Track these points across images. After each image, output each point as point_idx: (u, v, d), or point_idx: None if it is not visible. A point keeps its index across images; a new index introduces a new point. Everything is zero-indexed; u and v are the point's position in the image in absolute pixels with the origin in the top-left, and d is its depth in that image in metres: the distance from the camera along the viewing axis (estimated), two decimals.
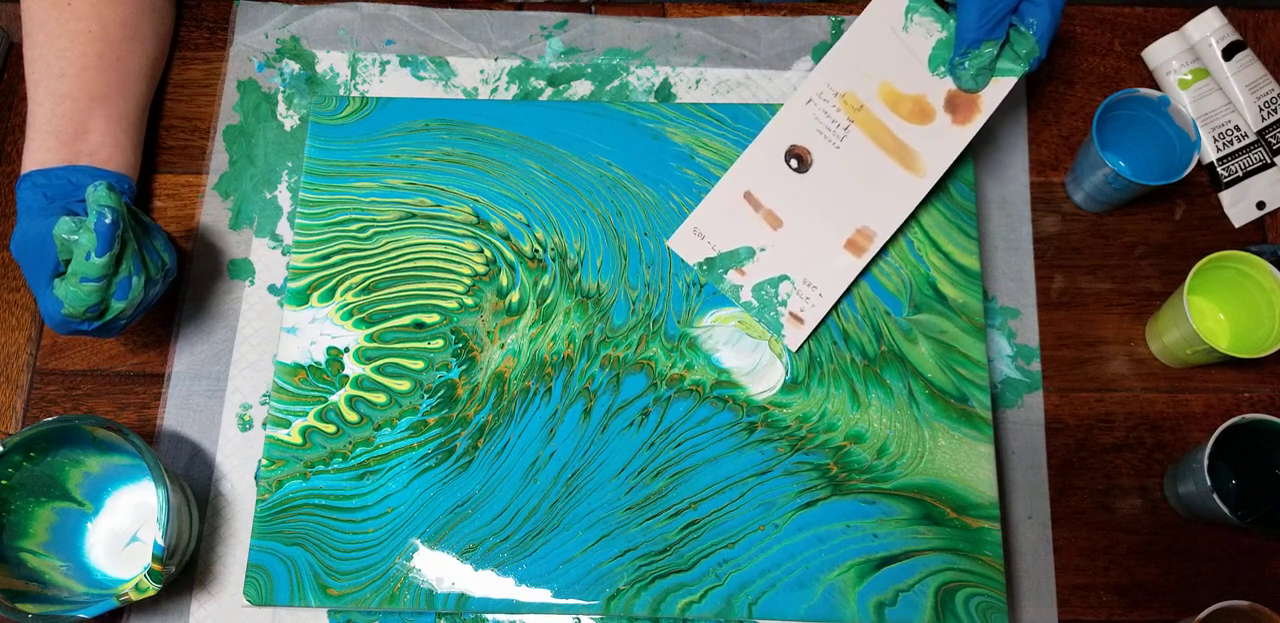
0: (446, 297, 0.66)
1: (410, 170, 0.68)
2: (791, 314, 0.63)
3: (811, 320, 0.63)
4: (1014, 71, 0.62)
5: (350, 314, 0.65)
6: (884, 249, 0.65)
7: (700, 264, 0.64)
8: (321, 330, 0.65)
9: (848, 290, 0.64)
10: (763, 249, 0.64)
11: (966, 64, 0.61)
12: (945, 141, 0.63)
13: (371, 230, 0.67)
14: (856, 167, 0.63)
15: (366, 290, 0.66)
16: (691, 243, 0.64)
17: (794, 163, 0.63)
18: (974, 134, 0.63)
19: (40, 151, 0.61)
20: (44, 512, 0.61)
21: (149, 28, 0.69)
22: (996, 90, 0.62)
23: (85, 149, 0.62)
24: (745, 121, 0.69)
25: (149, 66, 0.69)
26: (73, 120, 0.62)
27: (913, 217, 0.65)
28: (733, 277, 0.64)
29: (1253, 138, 0.72)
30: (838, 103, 0.63)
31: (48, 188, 0.59)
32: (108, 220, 0.54)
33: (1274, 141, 0.72)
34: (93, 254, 0.54)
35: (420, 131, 0.69)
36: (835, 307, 0.64)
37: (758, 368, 0.64)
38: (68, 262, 0.57)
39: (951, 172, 0.67)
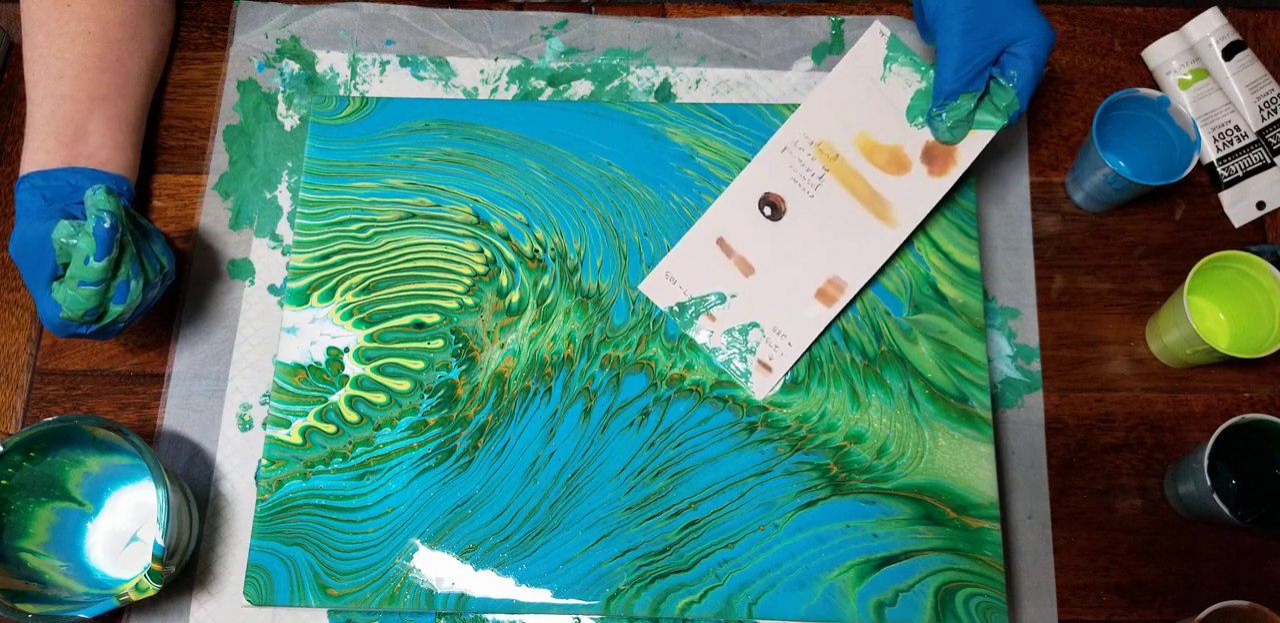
0: (446, 297, 0.66)
1: (410, 170, 0.68)
2: (760, 362, 0.63)
3: (779, 369, 0.63)
4: (992, 124, 0.61)
5: (350, 314, 0.65)
6: (853, 301, 0.64)
7: (671, 308, 0.64)
8: (321, 330, 0.65)
9: (816, 340, 0.64)
10: (734, 295, 0.64)
11: (944, 116, 0.60)
12: (920, 193, 0.62)
13: (371, 230, 0.67)
14: (830, 216, 0.63)
15: (366, 290, 0.66)
16: (663, 287, 0.64)
17: (768, 210, 0.63)
18: (949, 186, 0.62)
19: (39, 153, 0.61)
20: (44, 512, 0.61)
21: (149, 29, 0.68)
22: (974, 143, 0.62)
23: (84, 151, 0.62)
24: (745, 122, 0.69)
25: (149, 67, 0.69)
26: (72, 121, 0.62)
27: (887, 267, 0.65)
28: (703, 322, 0.64)
29: (1253, 138, 0.72)
30: (813, 151, 0.63)
31: (46, 190, 0.59)
32: (106, 225, 0.54)
33: (1274, 141, 0.72)
34: (91, 258, 0.54)
35: (420, 131, 0.69)
36: (801, 358, 0.64)
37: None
38: (66, 265, 0.57)
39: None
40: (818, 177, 0.62)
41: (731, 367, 0.63)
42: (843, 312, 0.64)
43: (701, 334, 0.63)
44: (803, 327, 0.63)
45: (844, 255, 0.63)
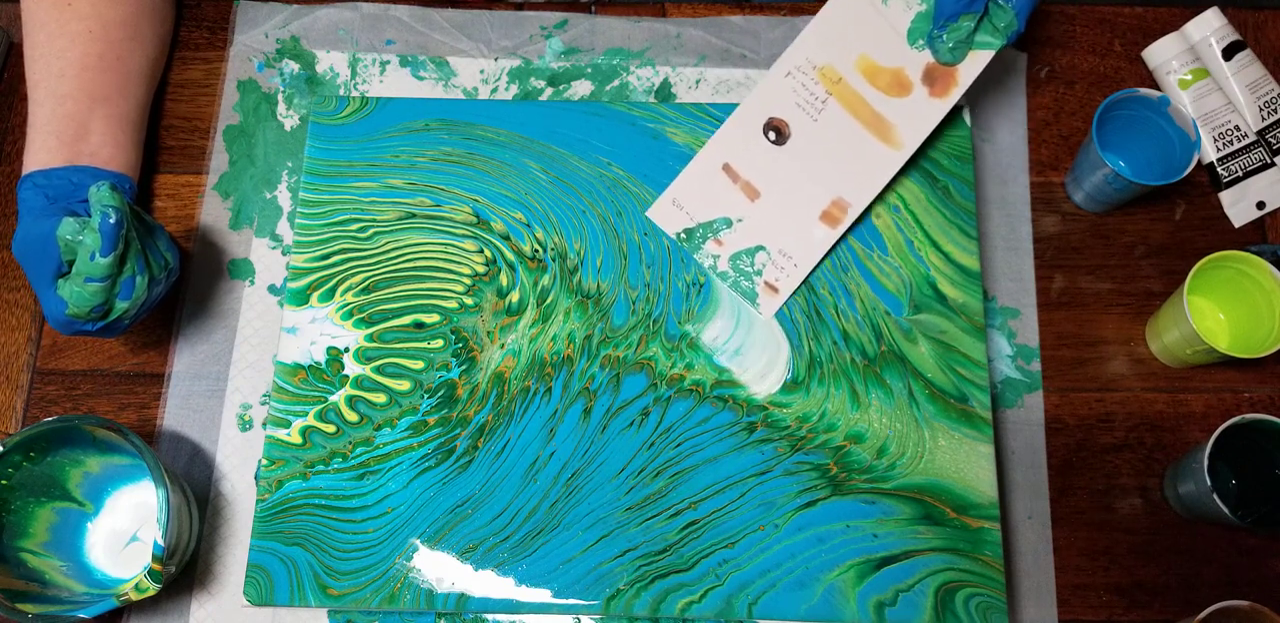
0: (446, 297, 0.66)
1: (410, 170, 0.68)
2: (766, 284, 0.64)
3: (786, 290, 0.64)
4: (992, 45, 0.62)
5: (350, 314, 0.65)
6: (859, 221, 0.66)
7: (679, 234, 0.65)
8: (321, 330, 0.65)
9: (821, 261, 0.65)
10: (740, 220, 0.65)
11: (945, 37, 0.62)
12: (922, 114, 0.64)
13: (371, 230, 0.67)
14: (834, 139, 0.64)
15: (366, 290, 0.66)
16: (670, 213, 0.66)
17: (772, 135, 0.64)
18: (951, 106, 0.64)
19: (41, 152, 0.61)
20: (44, 512, 0.61)
21: (149, 28, 0.69)
22: (974, 63, 0.63)
23: (86, 149, 0.62)
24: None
25: (149, 67, 0.69)
26: (73, 121, 0.62)
27: (889, 190, 0.66)
28: (710, 247, 0.65)
29: (1253, 138, 0.72)
30: (816, 76, 0.64)
31: (49, 188, 0.59)
32: (112, 220, 0.54)
33: (1274, 141, 0.72)
34: (97, 254, 0.54)
35: (420, 131, 0.69)
36: (809, 276, 0.65)
37: (758, 367, 0.64)
38: (71, 262, 0.57)
39: (955, 171, 0.67)
40: (821, 100, 0.63)
41: (740, 289, 0.64)
42: (847, 232, 0.65)
43: (708, 259, 0.65)
44: (808, 248, 0.64)
45: (848, 177, 0.64)
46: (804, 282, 0.65)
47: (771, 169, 0.65)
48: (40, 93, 0.63)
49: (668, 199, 0.66)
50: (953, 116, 0.68)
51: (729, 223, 0.65)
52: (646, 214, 0.66)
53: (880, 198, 0.66)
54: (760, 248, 0.64)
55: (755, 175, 0.65)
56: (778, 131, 0.63)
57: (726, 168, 0.65)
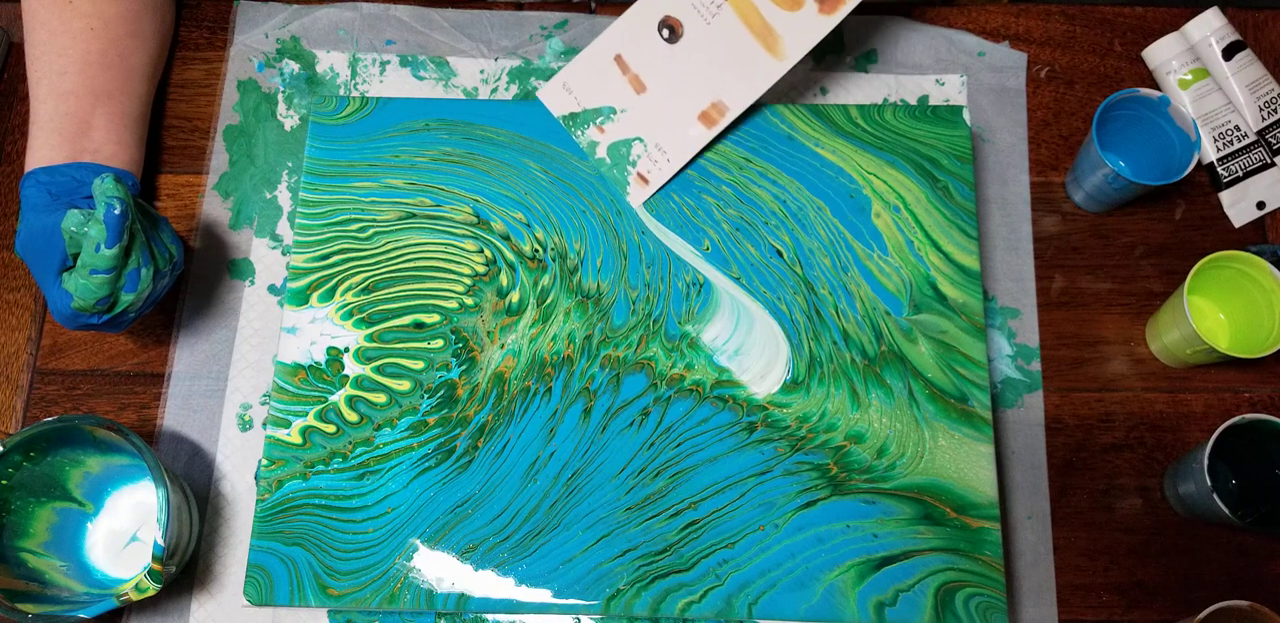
0: (446, 297, 0.66)
1: (410, 170, 0.68)
2: (639, 174, 0.67)
3: (656, 182, 0.67)
4: None
5: (350, 314, 0.65)
6: (733, 126, 0.68)
7: (565, 117, 0.68)
8: (321, 330, 0.65)
9: (693, 159, 0.67)
10: (623, 110, 0.67)
11: None
12: (808, 29, 0.65)
13: (371, 230, 0.67)
14: (722, 43, 0.66)
15: (366, 290, 0.66)
16: (560, 96, 0.68)
17: (666, 33, 0.66)
18: (837, 23, 0.64)
19: (44, 149, 0.61)
20: (44, 512, 0.61)
21: (150, 25, 0.69)
22: None
23: (89, 146, 0.62)
24: (745, 121, 0.69)
25: (150, 64, 0.69)
26: (76, 118, 0.62)
27: (766, 97, 0.68)
28: (592, 133, 0.68)
29: (1253, 138, 0.72)
30: None
31: (52, 185, 0.59)
32: (117, 211, 0.54)
33: (1274, 141, 0.72)
34: (102, 246, 0.54)
35: (420, 131, 0.69)
36: (680, 172, 0.67)
37: (758, 367, 0.64)
38: (75, 256, 0.57)
39: (955, 171, 0.67)
40: (716, 5, 0.65)
41: (613, 176, 0.67)
42: (721, 136, 0.68)
43: (586, 144, 0.67)
44: (683, 145, 0.67)
45: (730, 82, 0.66)
46: (674, 176, 0.67)
47: (660, 65, 0.67)
48: (42, 90, 0.63)
49: (559, 82, 0.68)
50: (953, 116, 0.68)
51: (613, 112, 0.67)
52: (537, 94, 0.69)
53: (756, 106, 0.67)
54: (638, 139, 0.67)
55: (644, 69, 0.67)
56: (671, 30, 0.66)
57: (618, 59, 0.67)
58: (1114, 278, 0.70)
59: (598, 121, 0.67)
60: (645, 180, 0.67)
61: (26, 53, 0.64)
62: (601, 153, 0.67)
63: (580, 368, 0.64)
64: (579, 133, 0.67)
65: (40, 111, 0.62)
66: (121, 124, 0.65)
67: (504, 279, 0.66)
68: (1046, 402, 0.67)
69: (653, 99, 0.67)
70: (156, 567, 0.55)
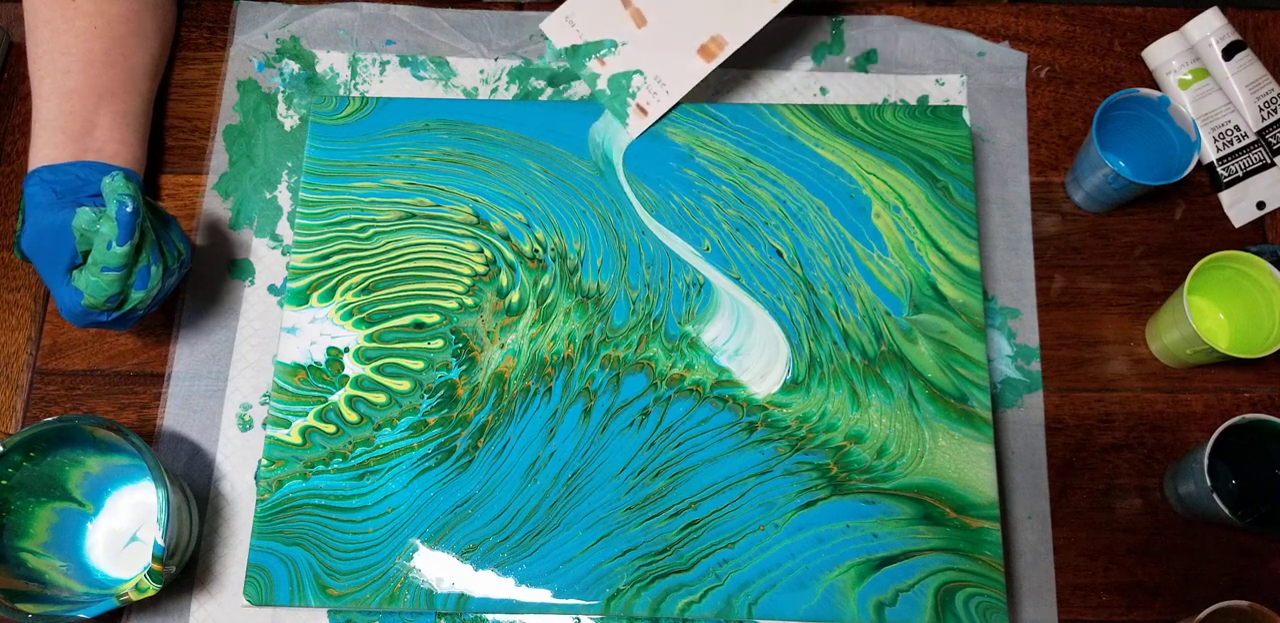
0: (446, 297, 0.66)
1: (410, 170, 0.68)
2: (638, 106, 0.68)
3: (655, 113, 0.68)
4: None
5: (350, 314, 0.65)
6: (729, 60, 0.69)
7: (566, 50, 0.70)
8: (321, 330, 0.65)
9: (691, 92, 0.68)
10: (624, 43, 0.69)
11: None
12: None
13: (371, 230, 0.67)
14: None
15: (366, 290, 0.66)
16: (563, 29, 0.70)
17: None
18: None
19: (48, 147, 0.61)
20: (44, 512, 0.61)
21: (152, 24, 0.69)
22: None
23: (92, 145, 0.62)
24: (745, 121, 0.69)
25: (152, 63, 0.69)
26: (79, 116, 0.62)
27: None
28: (593, 65, 0.69)
29: (1253, 138, 0.72)
30: None
31: (56, 183, 0.59)
32: (129, 209, 0.54)
33: (1274, 141, 0.72)
34: (114, 243, 0.54)
35: (420, 131, 0.69)
36: (677, 106, 0.69)
37: (759, 367, 0.64)
38: (85, 253, 0.57)
39: (955, 171, 0.67)
40: None
41: (613, 107, 0.68)
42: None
43: (588, 76, 0.70)
44: (682, 78, 0.68)
45: (729, 16, 0.68)
46: (672, 108, 0.68)
47: None
48: (45, 88, 0.63)
49: (561, 15, 0.70)
50: (953, 116, 0.68)
51: (614, 45, 0.69)
52: (540, 26, 0.70)
53: (753, 39, 0.68)
54: (638, 72, 0.68)
55: (645, 3, 0.68)
56: None
57: None
58: (1114, 278, 0.70)
59: (599, 54, 0.68)
60: (644, 111, 0.68)
61: (29, 51, 0.64)
62: (602, 85, 0.69)
63: (580, 368, 0.64)
64: (581, 65, 0.69)
65: (43, 110, 0.62)
66: (125, 123, 0.65)
67: (504, 279, 0.66)
68: (1046, 402, 0.67)
69: (653, 32, 0.68)
70: (156, 567, 0.55)
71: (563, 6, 0.69)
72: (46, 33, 0.63)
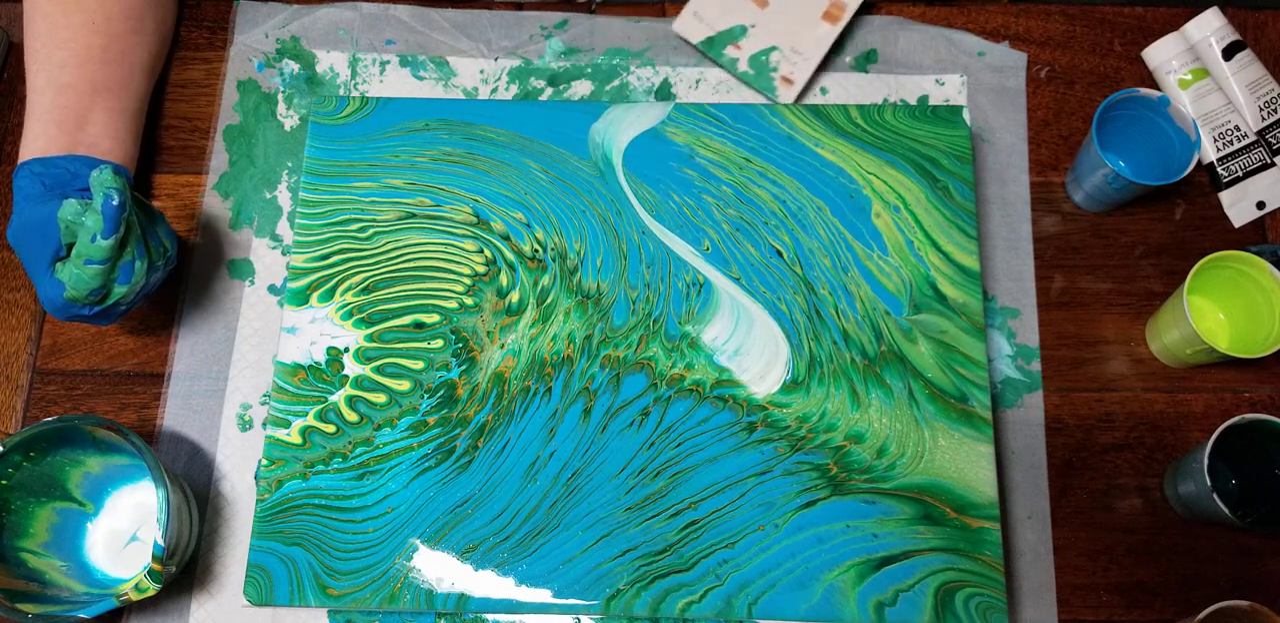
0: (446, 297, 0.66)
1: (410, 170, 0.68)
2: (783, 77, 0.72)
3: (800, 80, 0.72)
4: None
5: (350, 314, 0.65)
6: (850, 28, 0.74)
7: (702, 43, 0.73)
8: (321, 330, 0.65)
9: (827, 53, 0.72)
10: (753, 25, 0.72)
11: None
12: None
13: (371, 230, 0.67)
14: None
15: (366, 290, 0.66)
16: (693, 26, 0.73)
17: None
18: None
19: (40, 139, 0.61)
20: (44, 512, 0.61)
21: (152, 21, 0.69)
22: None
23: (85, 140, 0.62)
24: (745, 122, 0.69)
25: (151, 60, 0.69)
26: (74, 110, 0.62)
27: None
28: (730, 51, 0.72)
29: (1253, 138, 0.72)
30: None
31: (46, 176, 0.59)
32: (115, 202, 0.54)
33: (1274, 141, 0.72)
34: (98, 236, 0.54)
35: (420, 131, 0.69)
36: (820, 69, 0.73)
37: (758, 367, 0.64)
38: (70, 246, 0.57)
39: (955, 171, 0.67)
40: None
41: (760, 84, 0.72)
42: (847, 29, 0.73)
43: (729, 63, 0.73)
44: (815, 43, 0.72)
45: None
46: (815, 71, 0.72)
47: None
48: (40, 82, 0.62)
49: (690, 12, 0.73)
50: (953, 116, 0.68)
51: (744, 30, 0.72)
52: (672, 28, 0.73)
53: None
54: (774, 48, 0.72)
55: None
56: None
57: None
58: (1114, 278, 0.70)
59: (733, 41, 0.72)
60: (790, 81, 0.72)
61: (26, 44, 0.64)
62: (744, 66, 0.72)
63: (580, 368, 0.64)
64: (719, 54, 0.72)
65: (37, 103, 0.62)
66: (119, 119, 0.64)
67: (504, 279, 0.66)
68: (1046, 402, 0.67)
69: (776, 10, 0.73)
70: (156, 567, 0.55)
71: (689, 5, 0.73)
72: (45, 26, 0.63)
